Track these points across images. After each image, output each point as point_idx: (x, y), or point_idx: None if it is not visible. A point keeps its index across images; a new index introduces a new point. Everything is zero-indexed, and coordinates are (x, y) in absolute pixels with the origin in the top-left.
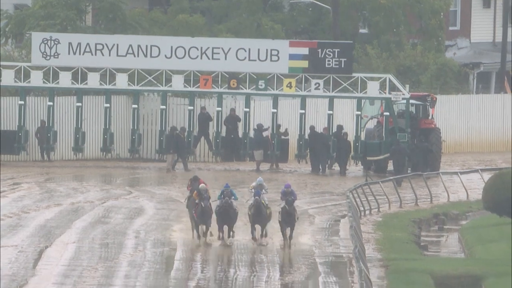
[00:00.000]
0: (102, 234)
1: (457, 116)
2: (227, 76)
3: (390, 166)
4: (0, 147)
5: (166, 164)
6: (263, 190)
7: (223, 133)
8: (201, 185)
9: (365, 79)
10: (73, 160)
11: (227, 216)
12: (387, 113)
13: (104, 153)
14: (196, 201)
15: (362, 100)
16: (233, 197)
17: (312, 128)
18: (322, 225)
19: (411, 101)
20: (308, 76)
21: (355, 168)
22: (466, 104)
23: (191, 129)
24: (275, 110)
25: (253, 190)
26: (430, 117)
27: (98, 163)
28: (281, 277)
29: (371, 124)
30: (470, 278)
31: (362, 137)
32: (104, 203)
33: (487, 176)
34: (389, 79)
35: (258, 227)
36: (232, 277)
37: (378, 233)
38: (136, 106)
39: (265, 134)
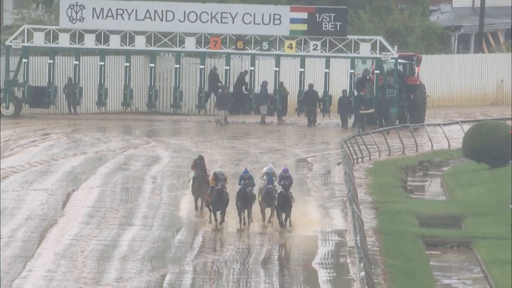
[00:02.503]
0: (123, 179)
1: (440, 73)
2: (234, 38)
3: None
4: (32, 101)
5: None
6: (274, 177)
7: (231, 90)
8: (218, 169)
9: (358, 41)
10: (96, 113)
11: (247, 203)
12: (378, 71)
13: (124, 107)
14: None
15: (355, 60)
16: (253, 183)
17: (310, 86)
18: (319, 171)
19: (399, 60)
20: (307, 38)
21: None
22: (448, 63)
23: (202, 86)
24: (277, 69)
25: (265, 177)
26: (416, 75)
27: (119, 116)
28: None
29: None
30: (450, 218)
31: (355, 93)
32: (125, 152)
33: (466, 127)
34: (380, 40)
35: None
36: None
37: (369, 179)
38: (153, 65)
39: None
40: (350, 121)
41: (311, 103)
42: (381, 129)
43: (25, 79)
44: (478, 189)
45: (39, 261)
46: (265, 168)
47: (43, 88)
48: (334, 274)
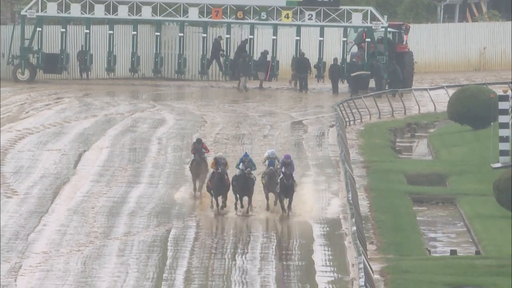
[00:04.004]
0: (130, 140)
1: (426, 41)
2: (234, 8)
3: (371, 84)
4: (46, 67)
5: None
6: (276, 161)
7: (231, 57)
8: (219, 153)
9: (350, 11)
10: (106, 78)
11: (246, 187)
12: (369, 40)
13: (132, 73)
14: (213, 170)
15: (348, 29)
16: (252, 167)
17: (301, 54)
18: (314, 133)
19: (388, 29)
20: (302, 9)
21: (341, 86)
22: (434, 31)
23: (205, 53)
24: (274, 37)
25: (267, 162)
26: (404, 43)
27: (127, 81)
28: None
29: (355, 49)
30: (436, 176)
31: (348, 59)
32: (132, 115)
33: (451, 91)
34: (370, 10)
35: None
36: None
37: (361, 140)
38: (158, 33)
39: (268, 57)
40: (343, 86)
41: (303, 70)
42: (372, 93)
43: (39, 47)
44: (461, 149)
45: (53, 216)
46: (266, 153)
47: (56, 55)
48: (328, 228)
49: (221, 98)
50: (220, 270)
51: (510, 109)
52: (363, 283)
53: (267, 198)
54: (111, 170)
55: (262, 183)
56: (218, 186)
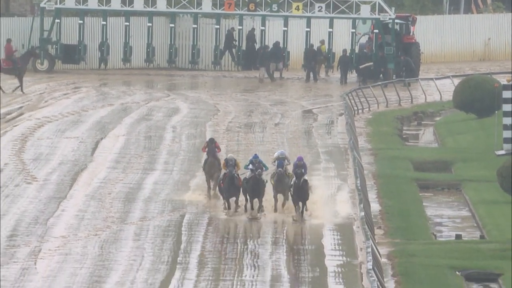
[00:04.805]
0: (146, 128)
1: (433, 32)
2: (246, 0)
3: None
4: (64, 58)
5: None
6: (286, 161)
7: (244, 47)
8: (230, 155)
9: (359, 3)
10: (122, 69)
11: (257, 189)
12: (377, 31)
13: (147, 63)
14: (224, 171)
15: (356, 20)
16: (263, 168)
17: (311, 45)
18: (324, 121)
19: (396, 20)
20: (312, 1)
21: (350, 76)
22: (440, 22)
23: (218, 44)
24: (285, 29)
25: (276, 162)
26: (411, 34)
27: (143, 71)
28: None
29: (364, 40)
30: (442, 163)
31: (356, 50)
32: (148, 104)
33: (456, 81)
34: (378, 2)
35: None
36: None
37: (369, 128)
38: (173, 25)
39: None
40: (351, 76)
41: (310, 60)
42: (380, 83)
43: (57, 38)
44: (466, 136)
45: (71, 202)
46: (276, 153)
47: (74, 46)
48: (337, 214)
49: (234, 87)
50: (233, 254)
51: None
52: (371, 267)
53: (276, 199)
54: (127, 157)
55: (272, 183)
56: (230, 187)
